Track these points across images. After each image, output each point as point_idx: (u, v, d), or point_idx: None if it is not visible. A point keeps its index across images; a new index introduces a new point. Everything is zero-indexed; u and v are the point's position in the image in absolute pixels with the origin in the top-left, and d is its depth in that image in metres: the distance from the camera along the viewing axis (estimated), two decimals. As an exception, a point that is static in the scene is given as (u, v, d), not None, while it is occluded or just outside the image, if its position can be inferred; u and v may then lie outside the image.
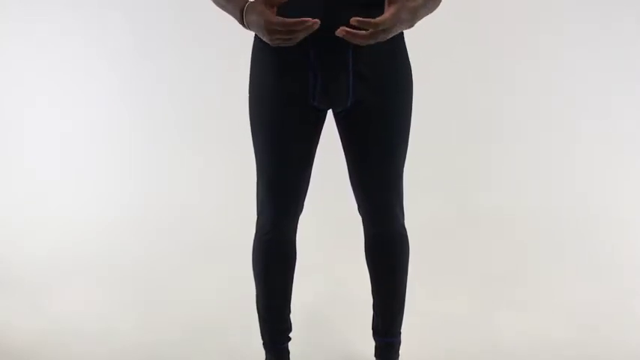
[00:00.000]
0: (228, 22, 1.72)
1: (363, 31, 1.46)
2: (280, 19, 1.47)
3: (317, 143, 1.81)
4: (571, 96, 3.42)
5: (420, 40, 2.01)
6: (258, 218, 1.88)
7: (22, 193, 3.41)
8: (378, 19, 1.46)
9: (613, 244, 2.96)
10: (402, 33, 1.73)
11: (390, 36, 1.52)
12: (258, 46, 1.74)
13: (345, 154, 1.83)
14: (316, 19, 1.45)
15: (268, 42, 1.53)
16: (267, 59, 1.71)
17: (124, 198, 3.36)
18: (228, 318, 2.45)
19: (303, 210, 1.89)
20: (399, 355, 2.05)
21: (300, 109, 1.72)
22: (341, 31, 1.45)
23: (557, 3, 3.37)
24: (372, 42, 1.49)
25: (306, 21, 1.44)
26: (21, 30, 3.54)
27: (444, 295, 2.61)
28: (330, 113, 1.80)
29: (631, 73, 3.41)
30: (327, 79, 1.67)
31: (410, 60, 1.77)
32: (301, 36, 1.48)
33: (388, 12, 1.48)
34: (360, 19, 1.44)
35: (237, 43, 2.09)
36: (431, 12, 1.66)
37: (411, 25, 1.56)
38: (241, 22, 1.59)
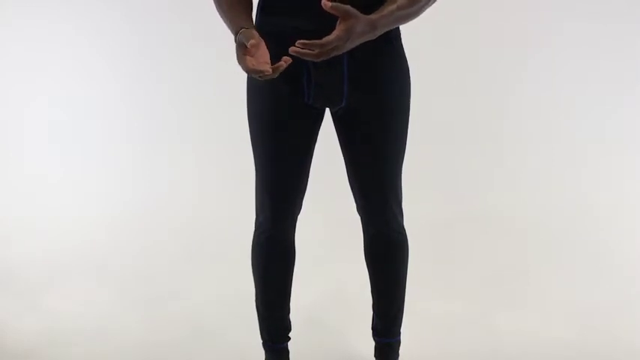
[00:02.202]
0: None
1: (311, 51, 1.45)
2: (245, 65, 1.49)
3: (314, 142, 1.81)
4: (572, 96, 3.42)
5: (421, 40, 2.01)
6: (256, 217, 1.88)
7: (22, 192, 3.41)
8: (324, 39, 1.45)
9: (613, 244, 2.95)
10: (399, 33, 1.73)
11: (346, 49, 1.50)
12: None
13: (343, 154, 1.84)
14: (287, 59, 1.45)
15: None
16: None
17: (124, 198, 3.36)
18: (228, 318, 2.45)
19: (303, 210, 1.89)
20: (398, 355, 2.05)
21: (295, 107, 1.72)
22: (292, 51, 1.44)
23: (558, 3, 3.37)
24: (324, 58, 1.47)
25: (264, 71, 1.45)
26: (21, 30, 3.54)
27: (444, 296, 2.61)
28: (328, 113, 1.80)
29: (632, 74, 3.41)
30: (321, 77, 1.67)
31: (409, 60, 1.77)
32: (274, 75, 1.48)
33: (336, 30, 1.46)
34: (306, 42, 1.44)
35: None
36: (404, 21, 1.61)
37: (374, 36, 1.54)
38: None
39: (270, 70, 1.45)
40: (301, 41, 1.44)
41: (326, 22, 1.51)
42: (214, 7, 1.72)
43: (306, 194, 1.88)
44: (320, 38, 1.50)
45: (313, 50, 1.45)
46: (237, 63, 1.53)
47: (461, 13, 3.00)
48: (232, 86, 2.26)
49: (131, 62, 3.55)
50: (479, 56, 3.39)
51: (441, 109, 3.34)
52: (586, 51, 3.40)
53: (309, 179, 1.86)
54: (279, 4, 1.66)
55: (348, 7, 1.45)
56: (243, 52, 1.51)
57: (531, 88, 3.44)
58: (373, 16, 1.51)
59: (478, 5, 3.26)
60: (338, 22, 1.47)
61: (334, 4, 1.43)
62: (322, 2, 1.41)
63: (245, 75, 1.80)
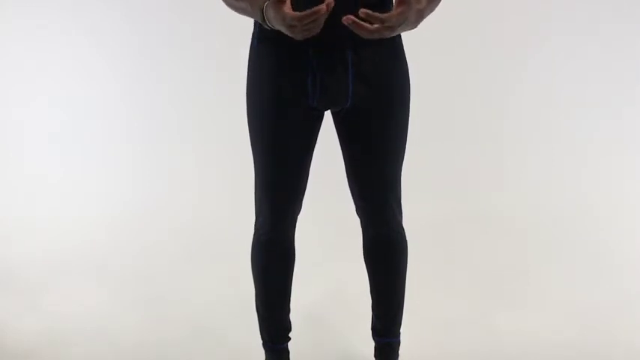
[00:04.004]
0: (229, 22, 1.73)
1: (368, 25, 1.44)
2: (293, 14, 1.44)
3: (315, 143, 1.81)
4: (572, 96, 3.43)
5: (422, 40, 2.01)
6: (256, 218, 1.88)
7: (22, 192, 3.41)
8: (386, 15, 1.44)
9: (613, 244, 2.95)
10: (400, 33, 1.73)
11: (394, 34, 1.51)
12: (256, 47, 1.74)
13: (343, 153, 1.84)
14: (330, 1, 1.42)
15: (293, 36, 1.50)
16: (264, 60, 1.70)
17: (124, 198, 3.36)
18: (228, 318, 2.45)
19: (303, 210, 1.89)
20: (398, 355, 2.05)
21: (298, 109, 1.72)
22: (347, 19, 1.42)
23: (558, 3, 3.37)
24: (374, 37, 1.47)
25: (318, 10, 1.41)
26: (21, 30, 3.54)
27: (443, 295, 2.61)
28: (327, 113, 1.80)
29: (632, 74, 3.41)
30: (327, 79, 1.67)
31: (409, 60, 1.78)
32: (321, 22, 1.45)
33: (397, 10, 1.46)
34: (369, 12, 1.42)
35: (237, 43, 2.09)
36: (433, 9, 1.64)
37: (414, 27, 1.56)
38: (263, 21, 1.56)
39: (325, 8, 1.41)
40: (364, 10, 1.41)
41: (327, 22, 1.51)
42: (215, 7, 1.71)
43: (306, 194, 1.87)
44: (322, 37, 1.50)
45: (371, 25, 1.43)
46: (274, 21, 1.49)
47: (461, 13, 2.99)
48: (232, 86, 2.26)
49: (131, 62, 3.55)
50: (479, 56, 3.39)
51: (441, 109, 3.34)
52: (586, 51, 3.40)
53: (309, 179, 1.86)
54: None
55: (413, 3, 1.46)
56: (285, 7, 1.46)
57: (531, 88, 3.44)
58: (419, 6, 1.52)
59: (478, 5, 3.26)
60: (396, 4, 1.46)
61: None
62: None
63: (245, 75, 1.80)
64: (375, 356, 2.07)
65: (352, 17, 1.42)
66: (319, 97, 1.69)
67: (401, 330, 2.03)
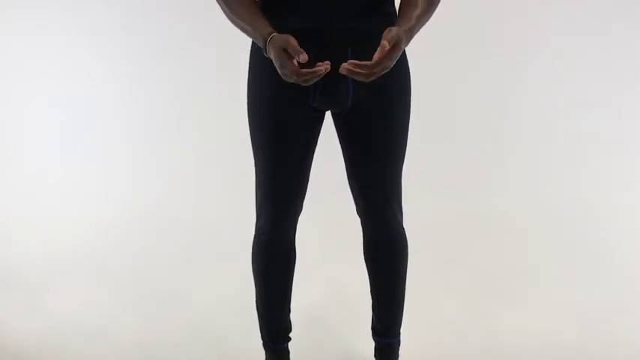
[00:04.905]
0: (229, 22, 1.72)
1: (363, 71, 1.48)
2: (292, 69, 1.49)
3: (316, 143, 1.81)
4: (572, 96, 3.43)
5: (422, 40, 2.01)
6: (257, 219, 1.88)
7: (22, 192, 3.41)
8: (376, 60, 1.48)
9: (613, 244, 2.95)
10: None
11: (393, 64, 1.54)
12: (257, 48, 1.74)
13: (344, 153, 1.84)
14: (327, 64, 1.47)
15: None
16: (265, 62, 1.71)
17: (123, 198, 3.36)
18: (228, 318, 2.45)
19: (304, 210, 1.89)
20: (398, 355, 2.05)
21: (299, 110, 1.72)
22: (344, 69, 1.47)
23: (558, 3, 3.37)
24: (374, 77, 1.51)
25: (317, 71, 1.46)
26: (21, 30, 3.54)
27: (443, 296, 2.61)
28: (328, 113, 1.80)
29: (632, 74, 3.41)
30: (328, 81, 1.67)
31: (410, 60, 1.78)
32: (313, 81, 1.50)
33: (385, 50, 1.48)
34: (366, 63, 1.47)
35: (238, 43, 2.09)
36: (424, 23, 1.65)
37: (407, 45, 1.59)
38: (263, 47, 1.59)
39: (323, 70, 1.47)
40: (352, 61, 1.46)
41: (324, 21, 1.51)
42: (220, 12, 1.71)
43: (306, 195, 1.87)
44: (319, 37, 1.50)
45: (365, 70, 1.48)
46: (279, 68, 1.52)
47: (461, 13, 3.00)
48: (232, 86, 2.26)
49: (131, 62, 3.55)
50: (479, 56, 3.39)
51: (442, 108, 3.34)
52: (586, 51, 3.40)
53: (310, 180, 1.86)
54: (278, 5, 1.65)
55: (401, 32, 1.50)
56: (287, 57, 1.50)
57: (531, 88, 3.44)
58: (408, 26, 1.56)
59: (478, 5, 3.26)
60: (386, 39, 1.49)
61: (393, 30, 1.48)
62: (385, 32, 1.48)
63: (245, 75, 1.80)
64: (375, 356, 2.07)
65: (347, 67, 1.46)
66: (320, 97, 1.70)
67: (401, 330, 2.03)
